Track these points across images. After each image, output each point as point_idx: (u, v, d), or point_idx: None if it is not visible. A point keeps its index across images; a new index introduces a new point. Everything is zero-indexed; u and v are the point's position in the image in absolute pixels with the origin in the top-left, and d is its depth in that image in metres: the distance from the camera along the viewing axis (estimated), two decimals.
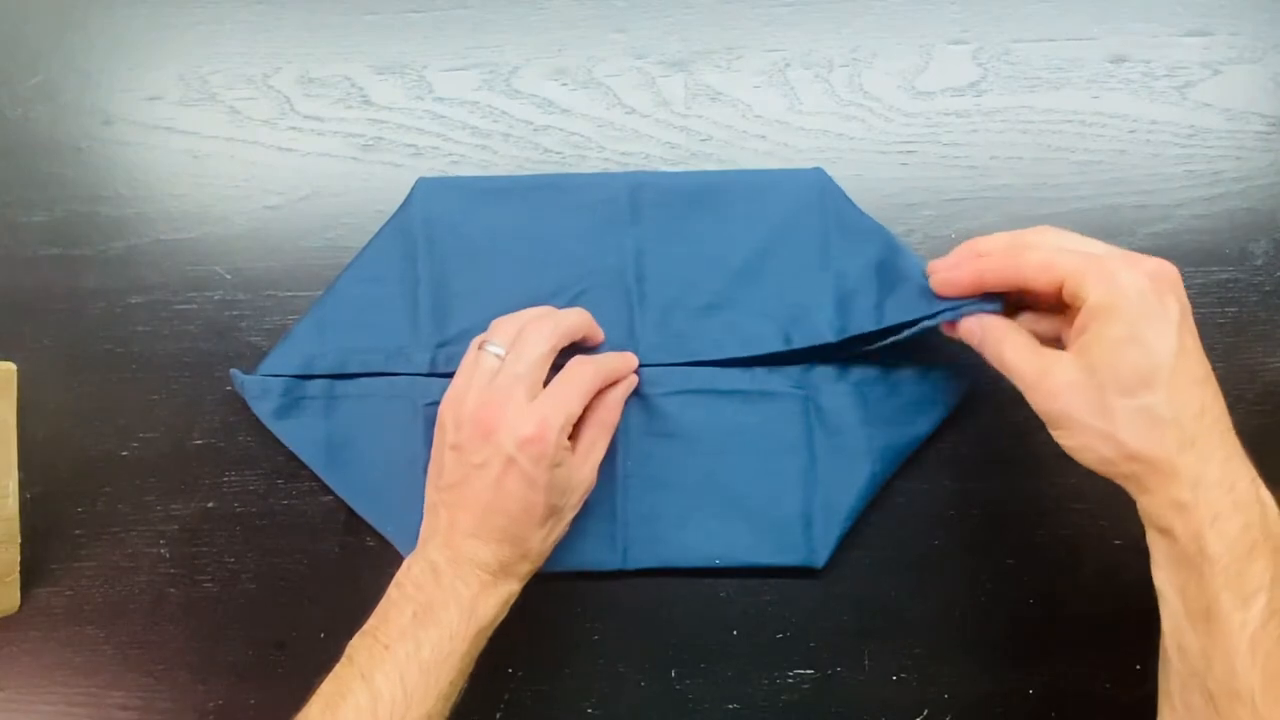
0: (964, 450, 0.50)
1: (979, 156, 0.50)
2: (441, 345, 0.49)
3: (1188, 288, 0.49)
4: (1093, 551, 0.50)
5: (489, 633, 0.43)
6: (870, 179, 0.50)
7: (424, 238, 0.49)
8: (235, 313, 0.50)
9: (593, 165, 0.50)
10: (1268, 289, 0.50)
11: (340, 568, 0.49)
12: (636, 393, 0.48)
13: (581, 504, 0.45)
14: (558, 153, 0.50)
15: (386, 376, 0.49)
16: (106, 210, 0.50)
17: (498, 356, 0.43)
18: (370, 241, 0.49)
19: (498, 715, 0.49)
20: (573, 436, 0.44)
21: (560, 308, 0.48)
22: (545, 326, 0.44)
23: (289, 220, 0.50)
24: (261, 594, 0.50)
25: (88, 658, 0.50)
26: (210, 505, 0.50)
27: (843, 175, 0.50)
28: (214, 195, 0.50)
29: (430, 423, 0.46)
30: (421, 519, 0.44)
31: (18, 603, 0.49)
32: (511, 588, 0.43)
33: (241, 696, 0.49)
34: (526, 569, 0.43)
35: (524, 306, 0.47)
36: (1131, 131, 0.50)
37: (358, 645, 0.41)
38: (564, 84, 0.50)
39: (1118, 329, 0.37)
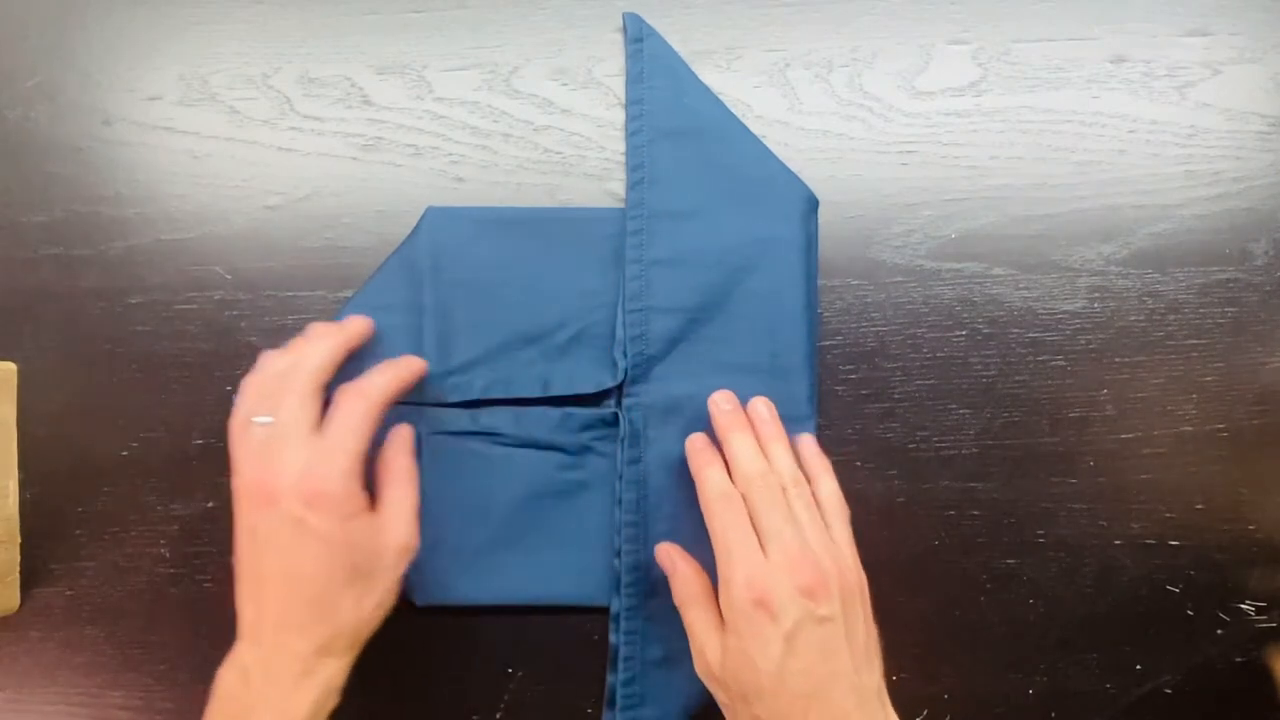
0: (964, 450, 0.50)
1: (979, 156, 0.50)
2: (446, 375, 0.48)
3: (1188, 288, 0.50)
4: (1093, 551, 0.50)
5: None
6: (870, 179, 0.50)
7: (430, 268, 0.48)
8: (235, 313, 0.50)
9: (593, 165, 0.50)
10: (1268, 289, 0.50)
11: None
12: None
13: (404, 564, 0.42)
14: (558, 153, 0.50)
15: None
16: (106, 210, 0.50)
17: (263, 425, 0.41)
18: (377, 270, 0.49)
19: (498, 715, 0.49)
20: (375, 498, 0.42)
21: (564, 341, 0.48)
22: (292, 378, 0.41)
23: (289, 220, 0.50)
24: None
25: (88, 658, 0.50)
26: (210, 505, 0.50)
27: (843, 175, 0.50)
28: (214, 195, 0.50)
29: (433, 454, 0.46)
30: (418, 548, 0.43)
31: (18, 603, 0.49)
32: (329, 670, 0.39)
33: None
34: (344, 644, 0.40)
35: (529, 338, 0.48)
36: (1131, 131, 0.50)
37: None
38: (564, 84, 0.50)
39: (731, 639, 0.40)
